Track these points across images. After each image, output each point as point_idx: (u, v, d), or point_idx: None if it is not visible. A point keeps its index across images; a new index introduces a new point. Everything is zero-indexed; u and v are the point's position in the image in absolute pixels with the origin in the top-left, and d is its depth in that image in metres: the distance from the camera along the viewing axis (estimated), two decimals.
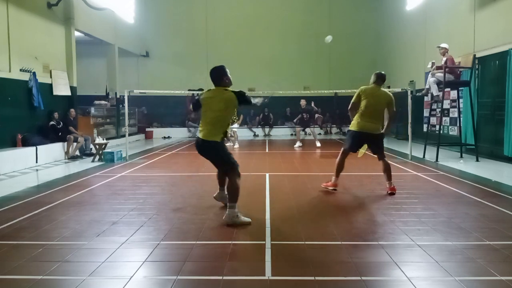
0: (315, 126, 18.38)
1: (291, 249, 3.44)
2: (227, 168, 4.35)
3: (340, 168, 5.63)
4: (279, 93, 13.67)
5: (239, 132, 13.81)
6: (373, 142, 5.58)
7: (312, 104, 13.14)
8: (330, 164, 8.70)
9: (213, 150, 4.27)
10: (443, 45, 9.11)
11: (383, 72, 5.64)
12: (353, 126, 5.54)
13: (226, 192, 4.38)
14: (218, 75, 4.30)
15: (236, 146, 12.31)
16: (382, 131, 5.54)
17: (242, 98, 4.21)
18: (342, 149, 5.69)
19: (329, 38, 9.91)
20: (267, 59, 18.10)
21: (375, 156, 5.70)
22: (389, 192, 5.44)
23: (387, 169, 5.54)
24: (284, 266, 3.02)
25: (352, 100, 5.58)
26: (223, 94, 4.21)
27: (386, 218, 4.27)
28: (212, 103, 4.22)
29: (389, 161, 5.68)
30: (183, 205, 4.95)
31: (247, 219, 4.15)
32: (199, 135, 4.29)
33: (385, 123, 5.55)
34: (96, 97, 14.40)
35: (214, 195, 4.89)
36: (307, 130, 13.63)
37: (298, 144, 12.25)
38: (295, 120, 13.88)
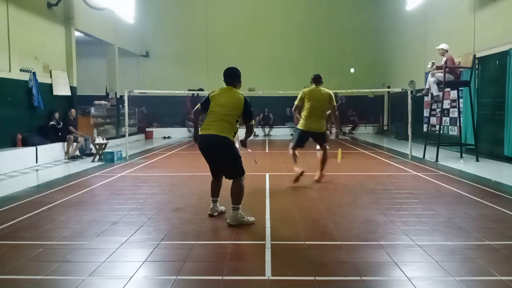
0: (330, 126, 18.45)
1: (291, 249, 3.44)
2: (236, 171, 4.14)
3: (294, 157, 6.19)
4: (279, 93, 13.68)
5: (239, 132, 13.86)
6: (317, 138, 6.21)
7: None
8: (330, 164, 8.70)
9: (226, 147, 4.09)
10: (442, 46, 9.10)
11: (317, 74, 6.20)
12: (300, 125, 6.10)
13: (230, 197, 4.12)
14: (234, 75, 4.39)
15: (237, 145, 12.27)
16: (333, 131, 6.27)
17: (248, 104, 4.19)
18: (291, 145, 6.27)
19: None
20: (267, 59, 18.10)
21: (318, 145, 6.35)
22: (315, 179, 6.22)
23: (324, 160, 6.22)
24: (284, 266, 3.02)
25: (296, 103, 6.09)
26: (234, 93, 4.28)
27: (386, 218, 4.27)
28: (223, 99, 4.22)
29: (327, 153, 6.24)
30: (183, 205, 4.95)
31: (252, 218, 4.14)
32: (207, 132, 4.13)
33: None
34: (96, 97, 14.39)
35: (209, 211, 4.42)
36: None
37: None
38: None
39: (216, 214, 4.42)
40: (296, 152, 6.23)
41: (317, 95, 6.00)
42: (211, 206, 4.44)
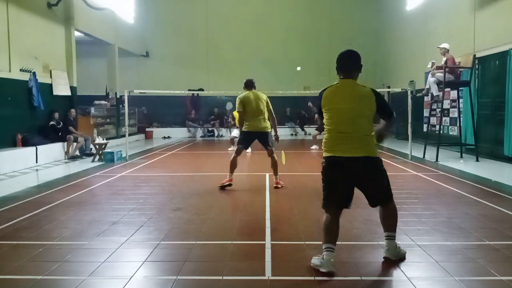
0: None
1: (291, 249, 3.44)
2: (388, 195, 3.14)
3: (233, 166, 5.99)
4: (279, 93, 13.66)
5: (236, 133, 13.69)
6: (261, 139, 6.11)
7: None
8: None
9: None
10: (443, 45, 9.11)
11: (248, 79, 6.45)
12: (245, 128, 6.09)
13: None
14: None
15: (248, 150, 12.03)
16: (273, 134, 6.35)
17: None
18: (236, 148, 6.15)
19: None
20: (267, 59, 18.07)
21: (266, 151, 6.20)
22: (274, 186, 6.04)
23: (274, 165, 6.15)
24: (284, 266, 3.02)
25: (238, 110, 6.15)
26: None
27: None
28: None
29: (275, 157, 6.17)
30: (183, 205, 4.95)
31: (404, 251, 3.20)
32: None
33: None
34: (96, 97, 14.39)
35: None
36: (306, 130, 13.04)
37: (315, 146, 11.67)
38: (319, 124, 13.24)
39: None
40: (238, 160, 6.07)
41: (254, 97, 6.12)
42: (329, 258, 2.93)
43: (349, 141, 2.94)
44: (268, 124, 6.14)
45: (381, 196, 3.12)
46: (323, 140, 3.11)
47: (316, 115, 3.35)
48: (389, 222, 3.13)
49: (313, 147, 11.66)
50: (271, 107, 6.26)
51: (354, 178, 3.00)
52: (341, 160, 2.94)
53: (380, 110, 3.04)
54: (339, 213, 3.07)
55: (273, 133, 6.41)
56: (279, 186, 6.03)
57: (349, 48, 3.22)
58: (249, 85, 6.38)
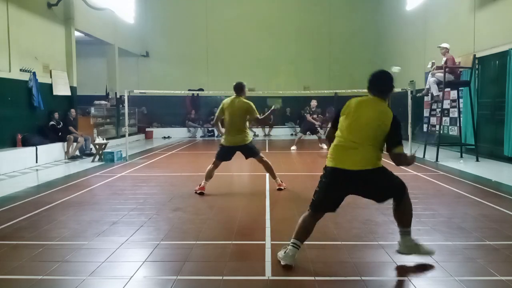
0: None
1: None
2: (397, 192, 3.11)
3: (209, 175, 5.64)
4: (279, 93, 13.68)
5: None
6: (243, 152, 5.69)
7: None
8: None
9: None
10: (444, 44, 9.11)
11: (238, 82, 5.75)
12: (223, 140, 5.69)
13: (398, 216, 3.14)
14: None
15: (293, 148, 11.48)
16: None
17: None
18: (214, 160, 5.68)
19: (396, 69, 8.07)
20: (267, 59, 18.09)
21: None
22: (277, 188, 5.77)
23: (269, 168, 5.80)
24: (284, 266, 3.02)
25: (216, 114, 5.82)
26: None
27: (386, 218, 4.26)
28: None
29: (267, 161, 5.79)
30: (183, 205, 4.95)
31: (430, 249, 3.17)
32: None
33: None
34: (96, 97, 14.40)
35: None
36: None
37: (295, 147, 11.50)
38: (312, 123, 11.82)
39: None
40: (214, 170, 5.68)
41: (233, 106, 5.61)
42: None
43: (355, 152, 2.95)
44: (247, 135, 5.66)
45: (383, 196, 3.12)
46: (331, 147, 3.11)
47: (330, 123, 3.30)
48: (399, 217, 3.13)
49: (293, 148, 11.47)
50: (256, 115, 5.69)
51: (353, 189, 3.05)
52: (344, 172, 2.95)
53: (390, 135, 2.97)
54: (322, 215, 3.15)
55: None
56: (282, 188, 5.81)
57: (384, 70, 3.27)
58: (236, 89, 5.75)
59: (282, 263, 2.97)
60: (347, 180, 2.97)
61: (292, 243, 3.01)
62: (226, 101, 5.73)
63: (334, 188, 3.03)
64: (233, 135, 5.58)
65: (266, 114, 6.23)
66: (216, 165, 5.69)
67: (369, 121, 2.96)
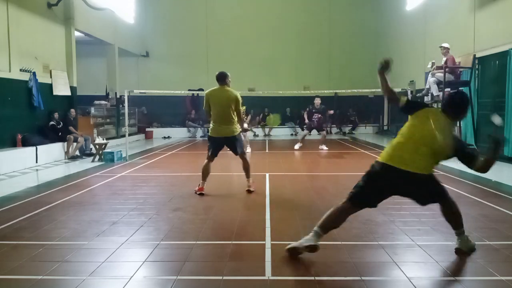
0: (330, 126, 18.28)
1: None
2: (440, 197, 3.22)
3: (205, 173, 5.54)
4: (279, 93, 13.68)
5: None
6: (228, 144, 5.58)
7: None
8: (330, 164, 8.72)
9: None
10: (445, 44, 9.11)
11: (220, 71, 5.56)
12: (210, 132, 5.57)
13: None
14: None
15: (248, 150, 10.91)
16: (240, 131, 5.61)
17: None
18: (207, 155, 5.59)
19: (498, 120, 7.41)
20: (267, 59, 18.10)
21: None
22: (246, 189, 5.63)
23: (246, 168, 5.67)
24: (284, 266, 3.02)
25: (204, 108, 5.60)
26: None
27: (386, 218, 4.27)
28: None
29: (248, 160, 5.71)
30: (183, 205, 4.95)
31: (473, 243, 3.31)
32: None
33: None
34: (96, 97, 14.40)
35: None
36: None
37: (299, 145, 11.42)
38: (306, 122, 11.79)
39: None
40: (210, 167, 5.58)
41: (220, 96, 5.44)
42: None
43: (419, 156, 3.01)
44: (235, 127, 5.50)
45: (431, 200, 3.23)
46: (392, 145, 3.23)
47: (401, 104, 3.39)
48: (451, 218, 3.27)
49: (297, 146, 11.36)
50: (240, 108, 5.55)
51: (403, 189, 3.14)
52: (401, 171, 3.01)
53: (458, 154, 3.11)
54: (357, 211, 3.25)
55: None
56: (251, 189, 5.64)
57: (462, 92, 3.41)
58: (219, 79, 5.53)
59: (306, 244, 3.05)
60: (401, 179, 3.02)
61: (315, 230, 3.10)
62: (210, 92, 5.52)
63: (383, 184, 3.12)
64: (222, 125, 5.42)
65: (248, 128, 6.12)
66: (210, 160, 5.57)
67: (435, 138, 3.03)
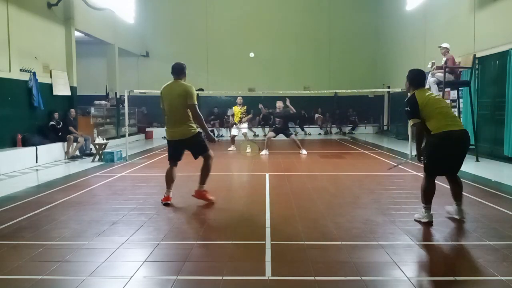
0: (330, 126, 18.22)
1: (291, 249, 3.44)
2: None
3: (169, 179, 4.99)
4: (278, 93, 13.65)
5: (236, 132, 11.72)
6: (189, 147, 4.91)
7: (288, 103, 10.73)
8: (330, 164, 8.71)
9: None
10: (444, 44, 9.10)
11: (176, 63, 4.99)
12: (166, 134, 5.00)
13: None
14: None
15: (264, 152, 10.30)
16: (199, 130, 4.81)
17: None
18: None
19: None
20: (267, 59, 18.10)
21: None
22: (192, 194, 4.99)
23: (206, 171, 4.92)
24: (284, 266, 3.02)
25: (161, 107, 5.03)
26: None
27: (386, 218, 4.27)
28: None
29: (211, 164, 4.95)
30: (183, 205, 4.95)
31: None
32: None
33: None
34: (96, 97, 14.39)
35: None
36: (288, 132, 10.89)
37: (265, 151, 10.30)
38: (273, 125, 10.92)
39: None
40: (174, 172, 5.00)
41: (171, 92, 4.78)
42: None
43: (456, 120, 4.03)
44: (191, 126, 4.77)
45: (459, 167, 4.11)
46: (434, 123, 3.93)
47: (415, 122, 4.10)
48: (458, 193, 4.15)
49: (263, 152, 10.26)
50: (194, 102, 4.70)
51: (462, 148, 4.00)
52: (459, 132, 3.92)
53: None
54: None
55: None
56: (195, 196, 4.96)
57: None
58: (172, 71, 4.92)
59: (424, 220, 3.98)
60: (461, 139, 3.94)
61: (425, 207, 4.04)
62: (163, 87, 4.94)
63: (453, 149, 3.94)
64: (173, 127, 4.79)
65: (209, 136, 4.92)
66: (170, 164, 5.03)
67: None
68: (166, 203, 4.94)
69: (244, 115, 11.42)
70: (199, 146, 4.89)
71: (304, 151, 10.39)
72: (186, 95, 4.69)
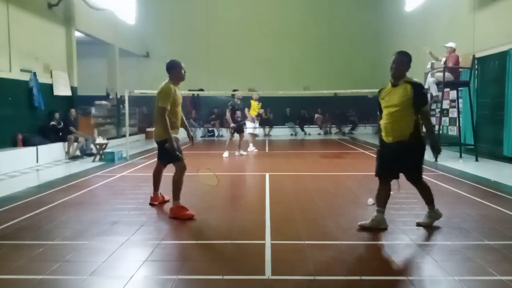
0: (330, 126, 18.17)
1: (291, 249, 3.44)
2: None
3: (155, 180, 4.98)
4: (279, 93, 13.67)
5: (251, 130, 11.21)
6: (159, 151, 4.75)
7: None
8: (330, 164, 8.72)
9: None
10: (449, 44, 9.09)
11: (170, 60, 4.92)
12: None
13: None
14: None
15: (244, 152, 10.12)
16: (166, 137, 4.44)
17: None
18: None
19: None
20: (267, 59, 18.11)
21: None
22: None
23: (175, 183, 4.51)
24: (284, 266, 3.03)
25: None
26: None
27: (386, 218, 4.27)
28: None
29: (181, 177, 4.56)
30: (184, 205, 4.94)
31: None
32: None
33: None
34: (96, 97, 14.40)
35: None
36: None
37: (227, 153, 9.69)
38: (232, 125, 9.89)
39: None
40: (159, 173, 4.98)
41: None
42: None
43: None
44: (159, 130, 4.51)
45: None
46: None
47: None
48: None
49: (225, 154, 9.65)
50: (160, 104, 4.53)
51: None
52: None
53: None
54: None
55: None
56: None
57: None
58: (166, 70, 4.85)
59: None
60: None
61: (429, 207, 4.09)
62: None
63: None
64: (154, 127, 4.63)
65: (172, 146, 4.48)
66: (158, 164, 4.98)
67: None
68: (152, 203, 4.90)
69: (259, 111, 11.08)
70: (167, 154, 4.47)
71: (226, 154, 9.71)
72: (157, 95, 4.54)
